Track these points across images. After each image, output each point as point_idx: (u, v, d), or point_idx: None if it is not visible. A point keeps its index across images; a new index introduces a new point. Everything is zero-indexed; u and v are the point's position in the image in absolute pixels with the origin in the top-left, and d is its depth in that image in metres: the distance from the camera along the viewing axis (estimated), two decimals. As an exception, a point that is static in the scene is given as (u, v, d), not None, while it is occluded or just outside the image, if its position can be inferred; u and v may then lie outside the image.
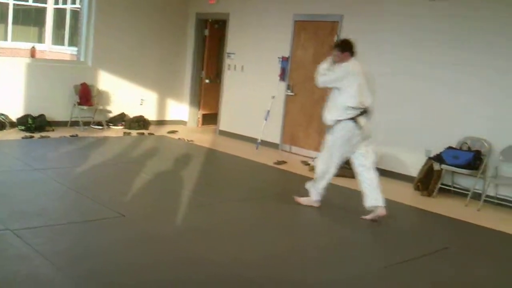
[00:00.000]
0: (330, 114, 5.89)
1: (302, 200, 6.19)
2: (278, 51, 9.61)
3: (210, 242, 4.88)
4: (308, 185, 6.20)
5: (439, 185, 7.28)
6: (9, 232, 4.60)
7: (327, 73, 5.87)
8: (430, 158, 7.45)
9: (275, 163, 8.38)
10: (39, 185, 6.19)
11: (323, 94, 8.95)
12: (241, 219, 5.71)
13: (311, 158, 8.69)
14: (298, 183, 7.46)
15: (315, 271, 4.48)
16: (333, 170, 5.97)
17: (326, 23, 8.95)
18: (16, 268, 3.99)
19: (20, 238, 4.50)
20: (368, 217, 5.83)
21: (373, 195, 5.79)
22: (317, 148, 8.95)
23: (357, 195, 6.08)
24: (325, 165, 5.95)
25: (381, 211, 5.77)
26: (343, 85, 5.70)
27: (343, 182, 7.24)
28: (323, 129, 8.89)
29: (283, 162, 8.47)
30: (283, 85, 9.52)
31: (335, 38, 8.62)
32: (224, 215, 5.75)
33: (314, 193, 6.10)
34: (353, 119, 5.73)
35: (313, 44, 9.16)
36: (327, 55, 8.73)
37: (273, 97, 9.49)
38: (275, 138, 9.68)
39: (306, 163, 8.51)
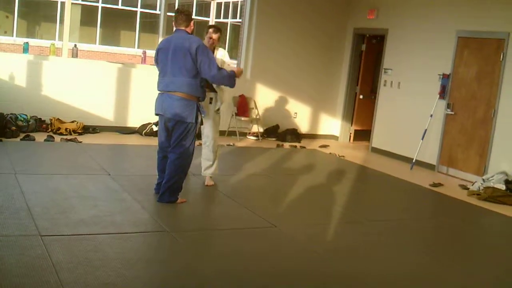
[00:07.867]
0: (223, 94, 6.58)
1: (211, 181, 6.60)
2: (438, 68, 9.22)
3: (356, 260, 4.79)
4: (211, 169, 6.59)
5: None
6: (167, 234, 4.87)
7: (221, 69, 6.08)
8: None
9: (431, 185, 8.00)
10: (200, 190, 6.50)
11: (486, 114, 8.47)
12: (390, 240, 5.53)
13: (470, 182, 8.20)
14: (455, 208, 7.11)
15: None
16: None
17: (492, 40, 8.46)
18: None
19: (177, 240, 4.74)
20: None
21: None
22: (478, 172, 8.45)
23: None
24: (217, 143, 6.59)
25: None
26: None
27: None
28: (485, 151, 8.43)
29: (440, 185, 8.05)
30: (442, 103, 9.12)
31: (501, 57, 8.16)
32: (373, 234, 5.61)
33: (215, 169, 6.61)
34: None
35: (477, 62, 8.69)
36: (491, 73, 8.40)
37: (431, 115, 9.13)
38: (432, 158, 9.27)
39: (464, 187, 8.03)
